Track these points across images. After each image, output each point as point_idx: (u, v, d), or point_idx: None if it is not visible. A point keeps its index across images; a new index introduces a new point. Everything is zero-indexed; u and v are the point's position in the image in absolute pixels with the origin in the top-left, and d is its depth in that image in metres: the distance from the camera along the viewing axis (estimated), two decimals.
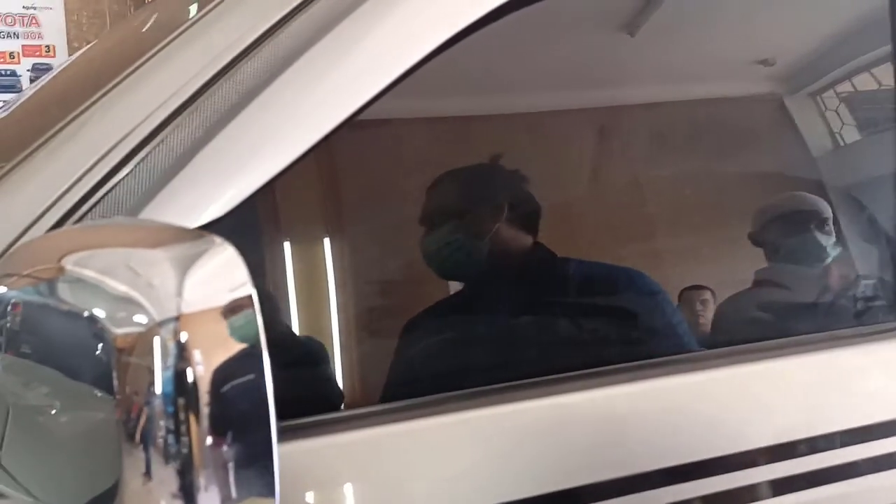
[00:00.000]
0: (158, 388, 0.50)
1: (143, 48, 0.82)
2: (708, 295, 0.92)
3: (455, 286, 0.86)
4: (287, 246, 0.82)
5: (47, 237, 0.66)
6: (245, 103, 0.72)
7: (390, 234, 0.86)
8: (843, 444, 0.83)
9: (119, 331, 0.50)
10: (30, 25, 3.58)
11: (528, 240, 0.88)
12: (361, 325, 0.83)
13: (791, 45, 1.02)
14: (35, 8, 3.56)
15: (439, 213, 0.86)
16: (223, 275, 0.53)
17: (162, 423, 0.50)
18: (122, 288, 0.51)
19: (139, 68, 0.77)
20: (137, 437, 0.50)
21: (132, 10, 3.48)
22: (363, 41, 0.75)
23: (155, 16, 1.15)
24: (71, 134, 0.74)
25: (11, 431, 0.60)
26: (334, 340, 0.80)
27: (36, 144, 0.74)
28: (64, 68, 1.25)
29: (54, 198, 0.70)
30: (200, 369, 0.50)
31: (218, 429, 0.51)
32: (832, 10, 1.05)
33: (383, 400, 0.78)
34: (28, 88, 1.45)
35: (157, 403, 0.50)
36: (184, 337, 0.50)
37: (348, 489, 0.72)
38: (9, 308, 0.57)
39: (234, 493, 0.51)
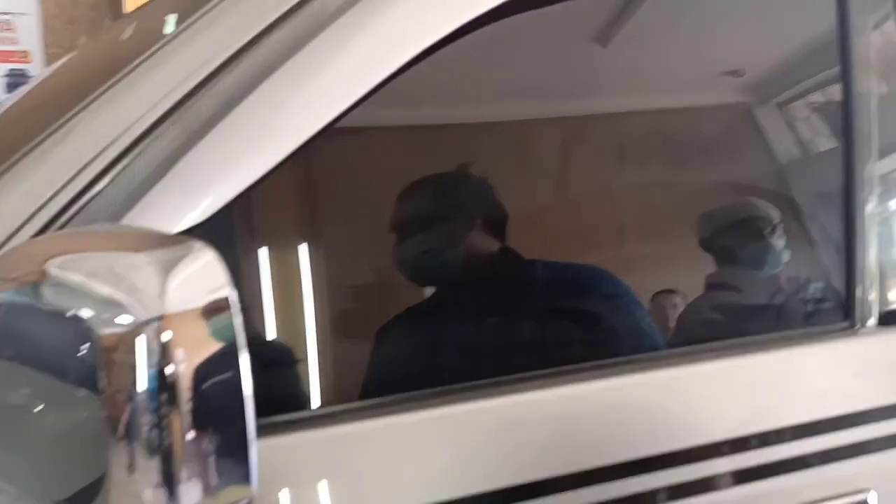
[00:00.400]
0: (142, 385, 0.53)
1: (124, 60, 0.85)
2: (678, 298, 0.96)
3: (427, 291, 0.89)
4: (262, 250, 0.85)
5: (32, 243, 0.68)
6: (223, 114, 0.75)
7: (362, 241, 0.90)
8: (793, 439, 0.88)
9: (105, 331, 0.53)
10: (5, 31, 3.57)
11: (497, 245, 0.91)
12: (335, 328, 0.86)
13: (756, 58, 1.07)
14: (10, 13, 3.55)
15: (411, 221, 0.89)
16: (204, 277, 0.56)
17: (145, 418, 0.53)
18: (107, 290, 0.54)
19: (121, 80, 0.80)
20: (122, 431, 0.53)
21: (109, 17, 3.48)
22: (336, 56, 0.79)
23: (135, 26, 1.17)
24: (54, 143, 0.76)
25: None
26: (308, 342, 0.83)
27: (19, 154, 0.77)
28: (45, 78, 1.27)
29: (38, 206, 0.72)
30: (182, 367, 0.53)
31: (198, 423, 0.54)
32: (793, 28, 1.10)
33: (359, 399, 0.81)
34: (7, 98, 1.46)
35: (141, 399, 0.53)
36: (166, 336, 0.53)
37: (322, 485, 0.75)
38: None
39: (213, 483, 0.55)
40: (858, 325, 0.97)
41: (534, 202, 0.97)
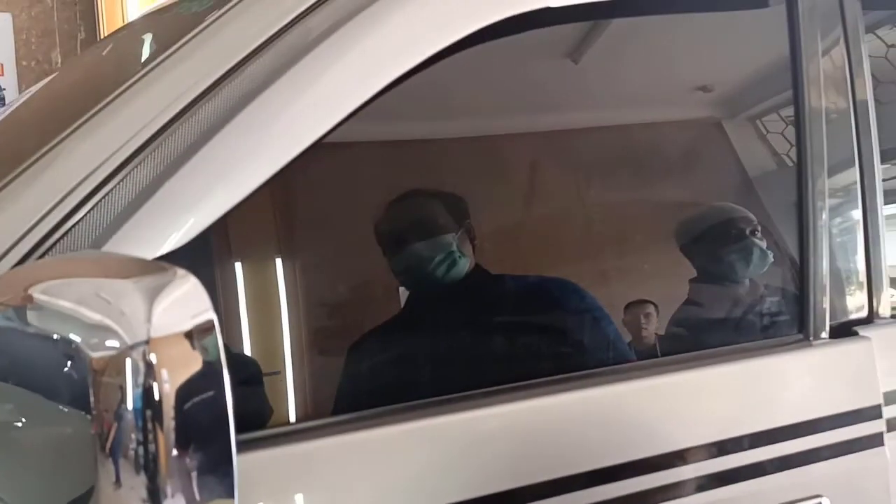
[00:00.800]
0: (130, 405, 0.56)
1: (106, 87, 0.87)
2: (651, 308, 1.00)
3: (396, 308, 0.92)
4: (237, 271, 0.87)
5: (15, 271, 0.71)
6: (203, 142, 0.78)
7: (335, 260, 0.93)
8: (749, 447, 0.92)
9: (95, 354, 0.56)
10: None
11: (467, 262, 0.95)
12: (309, 346, 0.89)
13: (714, 80, 1.11)
14: None
15: (385, 236, 0.92)
16: (187, 302, 0.59)
17: (132, 435, 0.56)
18: (96, 315, 0.57)
19: (104, 108, 0.83)
20: (111, 448, 0.56)
21: (82, 30, 3.48)
22: (313, 85, 0.82)
23: (115, 51, 1.20)
24: (36, 172, 0.79)
25: None
26: (283, 360, 0.86)
27: (1, 182, 0.79)
28: (23, 103, 1.28)
29: (21, 234, 0.75)
30: (167, 387, 0.57)
31: (182, 440, 0.57)
32: (749, 53, 1.15)
33: (332, 414, 0.84)
34: None
35: (129, 418, 0.56)
36: (152, 358, 0.56)
37: (296, 499, 0.77)
38: None
39: (197, 498, 0.58)
40: (812, 338, 1.02)
41: (503, 218, 1.00)
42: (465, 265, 0.93)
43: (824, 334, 1.03)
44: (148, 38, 1.14)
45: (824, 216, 1.04)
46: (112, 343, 0.56)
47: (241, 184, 0.78)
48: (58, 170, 0.79)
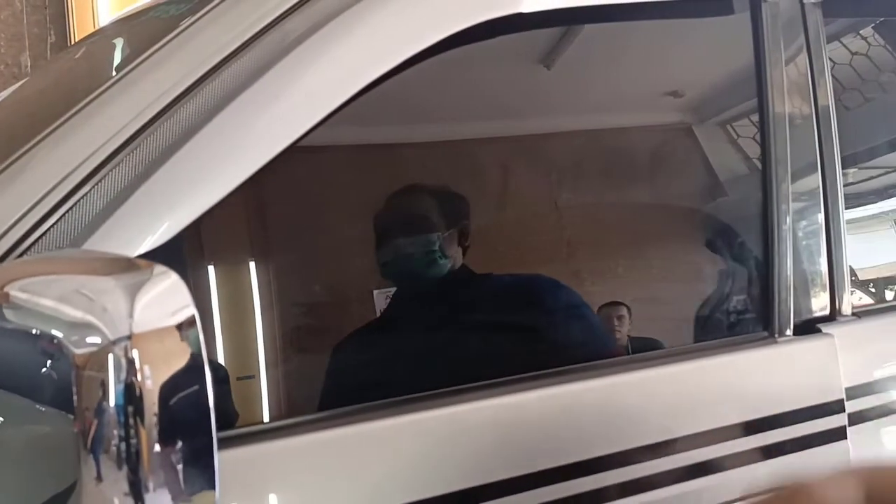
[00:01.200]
0: (112, 401, 0.57)
1: (82, 89, 0.88)
2: (624, 311, 1.02)
3: (370, 309, 0.93)
4: (212, 270, 0.88)
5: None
6: (180, 144, 0.79)
7: (309, 260, 0.94)
8: (716, 442, 0.94)
9: (77, 350, 0.57)
10: None
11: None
12: (289, 344, 0.90)
13: (682, 87, 1.14)
14: None
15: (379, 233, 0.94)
16: (168, 298, 0.60)
17: (115, 431, 0.57)
18: (77, 312, 0.58)
19: (81, 110, 0.83)
20: (94, 444, 0.57)
21: (52, 33, 3.45)
22: (291, 86, 0.84)
23: (90, 54, 1.20)
24: (13, 174, 0.79)
25: None
26: (261, 358, 0.87)
27: None
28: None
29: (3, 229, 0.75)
30: (149, 383, 0.58)
31: (164, 435, 0.58)
32: (716, 61, 1.18)
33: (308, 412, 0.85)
34: None
35: (111, 414, 0.57)
36: (135, 354, 0.57)
37: (275, 496, 0.78)
38: None
39: (179, 491, 0.59)
40: (777, 335, 1.05)
41: (480, 219, 1.02)
42: (445, 265, 0.94)
43: (789, 332, 1.06)
44: (124, 41, 1.14)
45: (788, 219, 1.08)
46: (94, 339, 0.57)
47: (218, 186, 0.79)
48: (34, 172, 0.79)
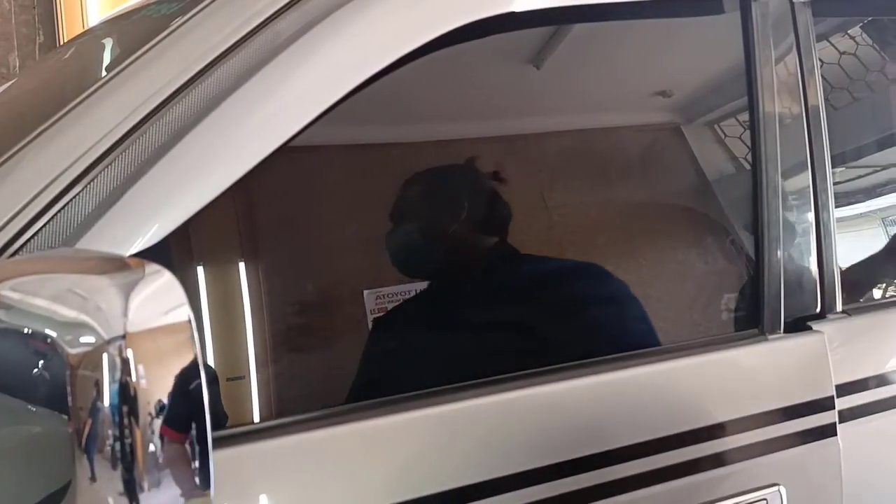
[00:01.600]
0: (107, 400, 0.56)
1: (72, 89, 0.88)
2: None
3: (359, 308, 0.93)
4: (202, 270, 0.88)
5: None
6: (172, 144, 0.79)
7: (302, 258, 0.94)
8: (708, 438, 0.95)
9: (72, 350, 0.56)
10: None
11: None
12: (282, 343, 0.90)
13: (672, 86, 1.15)
14: None
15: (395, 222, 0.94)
16: (162, 297, 0.60)
17: (110, 430, 0.57)
18: (71, 312, 0.58)
19: (71, 110, 0.83)
20: (88, 444, 0.57)
21: (41, 33, 3.43)
22: (281, 87, 0.84)
23: (79, 54, 1.19)
24: (3, 174, 0.79)
25: None
26: (255, 357, 0.87)
27: None
28: None
29: None
30: (144, 382, 0.57)
31: (159, 434, 0.58)
32: (707, 60, 1.19)
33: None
34: None
35: (106, 413, 0.56)
36: (129, 354, 0.57)
37: (269, 495, 0.78)
38: None
39: (174, 491, 0.59)
40: (767, 332, 1.06)
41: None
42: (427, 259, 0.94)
43: (779, 329, 1.06)
44: (114, 41, 1.14)
45: (779, 217, 1.08)
46: (88, 339, 0.57)
47: (209, 186, 0.79)
48: (25, 172, 0.79)
